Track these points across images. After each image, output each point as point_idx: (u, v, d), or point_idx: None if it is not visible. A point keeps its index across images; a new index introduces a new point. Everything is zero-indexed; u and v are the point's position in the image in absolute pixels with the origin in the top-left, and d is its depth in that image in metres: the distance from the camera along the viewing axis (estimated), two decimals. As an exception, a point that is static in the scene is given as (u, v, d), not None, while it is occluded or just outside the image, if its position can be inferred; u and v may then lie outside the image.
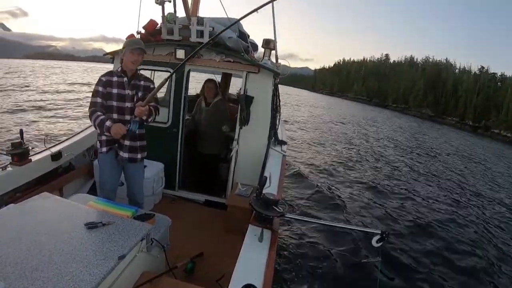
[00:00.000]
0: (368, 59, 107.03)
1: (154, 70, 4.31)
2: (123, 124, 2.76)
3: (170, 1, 3.62)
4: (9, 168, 3.00)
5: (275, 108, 4.34)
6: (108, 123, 2.67)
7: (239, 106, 4.05)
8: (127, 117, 2.85)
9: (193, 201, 4.40)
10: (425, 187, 9.58)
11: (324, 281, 4.06)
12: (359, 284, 4.09)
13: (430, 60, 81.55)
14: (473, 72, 64.08)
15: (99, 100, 2.77)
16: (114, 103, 2.83)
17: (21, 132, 3.23)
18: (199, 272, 2.93)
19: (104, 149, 2.92)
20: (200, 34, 3.85)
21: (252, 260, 1.91)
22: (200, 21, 3.86)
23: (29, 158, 3.21)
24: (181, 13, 3.88)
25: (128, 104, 2.87)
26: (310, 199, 6.87)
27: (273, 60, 4.63)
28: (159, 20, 3.97)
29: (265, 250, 2.03)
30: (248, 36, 4.59)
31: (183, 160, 4.35)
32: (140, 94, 2.92)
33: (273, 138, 4.45)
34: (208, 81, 4.68)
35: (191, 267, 2.90)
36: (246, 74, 4.00)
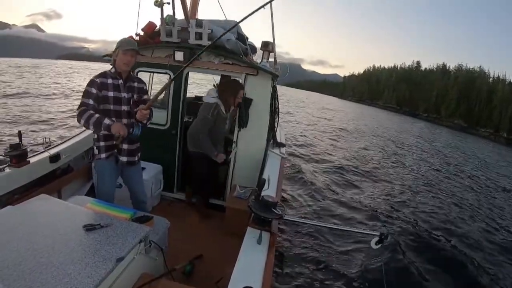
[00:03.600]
0: (399, 66, 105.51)
1: (153, 72, 4.31)
2: None
3: (169, 3, 3.63)
4: (7, 170, 2.99)
5: (274, 110, 4.33)
6: (107, 121, 2.55)
7: (238, 109, 4.05)
8: (124, 121, 2.80)
9: (191, 203, 4.40)
10: (435, 193, 9.54)
11: (323, 283, 4.05)
12: (357, 286, 4.09)
13: (463, 68, 80.00)
14: (508, 80, 62.85)
15: (91, 102, 2.62)
16: (111, 107, 2.74)
17: (20, 133, 3.22)
18: (198, 274, 2.93)
19: (103, 155, 2.85)
20: (199, 36, 3.86)
21: (251, 262, 1.91)
22: (199, 23, 3.86)
23: (27, 159, 3.20)
24: (180, 15, 3.89)
25: (124, 108, 2.81)
26: (309, 201, 6.86)
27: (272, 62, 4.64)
28: (157, 22, 3.98)
29: (263, 252, 2.03)
30: (247, 38, 4.60)
31: (181, 162, 4.35)
32: (135, 96, 2.88)
33: (272, 140, 4.44)
34: (241, 86, 3.96)
35: (189, 269, 2.90)
36: (245, 76, 4.00)
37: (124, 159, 2.94)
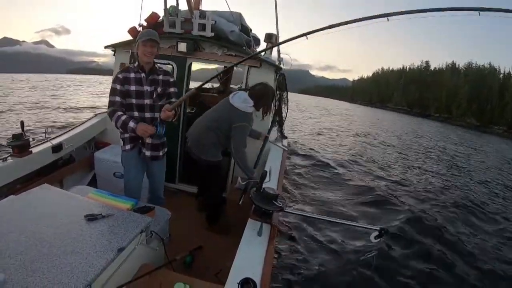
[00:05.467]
0: (407, 67, 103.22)
1: (156, 63, 4.30)
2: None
3: None
4: (10, 160, 3.00)
5: (285, 102, 4.24)
6: (131, 124, 2.59)
7: None
8: (147, 115, 2.80)
9: (193, 194, 4.40)
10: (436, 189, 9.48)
11: (322, 276, 4.06)
12: (356, 279, 4.10)
13: (473, 65, 78.01)
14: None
15: (117, 98, 2.66)
16: (133, 101, 2.74)
17: (22, 123, 3.22)
18: (198, 265, 2.94)
19: (128, 147, 2.85)
20: (202, 27, 3.84)
21: (251, 254, 1.91)
22: (202, 14, 3.84)
23: (30, 150, 3.20)
24: (183, 6, 3.87)
25: (147, 101, 2.78)
26: (310, 194, 6.87)
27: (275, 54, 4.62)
28: (161, 13, 3.96)
29: (264, 244, 2.04)
30: (251, 30, 4.57)
31: (183, 153, 4.34)
32: (159, 89, 2.84)
33: (280, 133, 4.39)
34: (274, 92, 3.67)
35: (190, 260, 2.91)
36: (248, 68, 3.98)
37: (148, 153, 2.92)
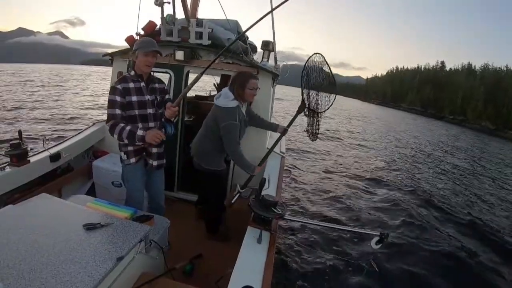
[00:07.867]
0: (422, 66, 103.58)
1: (153, 72, 4.32)
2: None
3: (169, 3, 3.61)
4: (8, 169, 2.98)
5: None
6: (140, 132, 2.50)
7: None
8: (152, 124, 2.74)
9: (192, 202, 4.39)
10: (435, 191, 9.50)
11: (323, 283, 4.06)
12: (357, 285, 4.09)
13: (490, 67, 78.07)
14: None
15: (118, 111, 2.54)
16: (136, 112, 2.65)
17: (20, 132, 3.21)
18: (198, 273, 2.93)
19: (133, 160, 2.79)
20: (199, 35, 3.86)
21: (251, 261, 1.91)
22: (199, 22, 3.86)
23: (28, 159, 3.19)
24: (180, 14, 3.88)
25: (150, 111, 2.73)
26: (310, 200, 6.87)
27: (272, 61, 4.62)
28: (158, 22, 3.98)
29: (264, 251, 2.03)
30: (247, 37, 4.59)
31: (182, 162, 4.33)
32: (158, 97, 2.81)
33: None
34: (250, 76, 3.23)
35: (190, 269, 2.91)
36: None
37: (154, 163, 2.92)
